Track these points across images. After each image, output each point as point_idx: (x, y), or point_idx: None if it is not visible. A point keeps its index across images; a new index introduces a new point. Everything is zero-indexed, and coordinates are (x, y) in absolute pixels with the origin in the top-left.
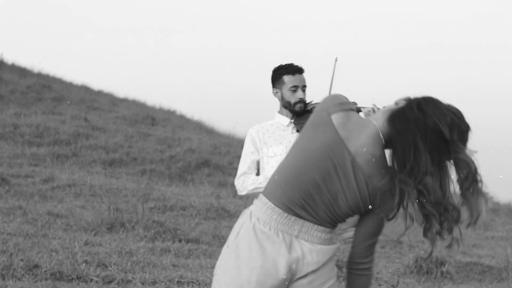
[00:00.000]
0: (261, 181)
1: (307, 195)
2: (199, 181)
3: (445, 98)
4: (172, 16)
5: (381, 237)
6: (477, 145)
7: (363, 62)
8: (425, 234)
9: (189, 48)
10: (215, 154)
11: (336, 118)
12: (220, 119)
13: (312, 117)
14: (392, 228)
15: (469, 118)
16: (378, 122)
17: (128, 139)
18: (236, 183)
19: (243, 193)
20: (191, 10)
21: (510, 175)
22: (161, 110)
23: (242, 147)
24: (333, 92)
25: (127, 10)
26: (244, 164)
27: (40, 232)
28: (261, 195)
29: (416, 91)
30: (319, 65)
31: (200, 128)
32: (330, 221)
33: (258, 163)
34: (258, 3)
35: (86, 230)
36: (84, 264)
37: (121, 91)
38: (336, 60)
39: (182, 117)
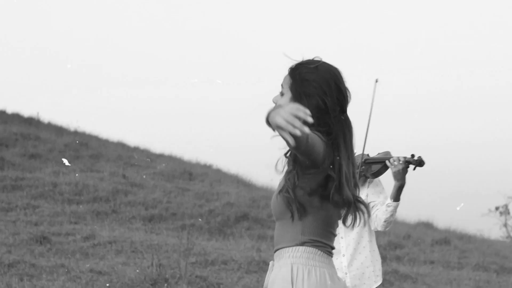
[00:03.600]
0: None
1: None
2: (238, 235)
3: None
4: (205, 68)
5: None
6: None
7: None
8: None
9: (222, 100)
10: (254, 208)
11: None
12: (257, 172)
13: None
14: None
15: None
16: None
17: (166, 194)
18: None
19: None
20: (225, 61)
21: None
22: (198, 165)
23: None
24: (373, 116)
25: (159, 64)
26: None
27: None
28: None
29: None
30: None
31: (237, 181)
32: None
33: None
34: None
35: (129, 286)
36: None
37: (157, 146)
38: (376, 82)
39: (219, 171)
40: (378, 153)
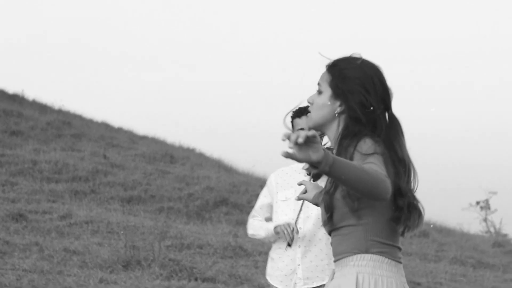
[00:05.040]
0: (256, 228)
1: None
2: (217, 220)
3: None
4: (192, 51)
5: None
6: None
7: None
8: None
9: (209, 84)
10: (234, 193)
11: None
12: (239, 157)
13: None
14: None
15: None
16: None
17: (146, 176)
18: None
19: (249, 236)
20: (209, 45)
21: None
22: (180, 148)
23: (261, 186)
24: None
25: (147, 46)
26: (255, 207)
27: (55, 268)
28: None
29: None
30: None
31: (219, 166)
32: None
33: (270, 206)
34: (278, 37)
35: (102, 267)
36: None
37: (141, 128)
38: None
39: (201, 155)
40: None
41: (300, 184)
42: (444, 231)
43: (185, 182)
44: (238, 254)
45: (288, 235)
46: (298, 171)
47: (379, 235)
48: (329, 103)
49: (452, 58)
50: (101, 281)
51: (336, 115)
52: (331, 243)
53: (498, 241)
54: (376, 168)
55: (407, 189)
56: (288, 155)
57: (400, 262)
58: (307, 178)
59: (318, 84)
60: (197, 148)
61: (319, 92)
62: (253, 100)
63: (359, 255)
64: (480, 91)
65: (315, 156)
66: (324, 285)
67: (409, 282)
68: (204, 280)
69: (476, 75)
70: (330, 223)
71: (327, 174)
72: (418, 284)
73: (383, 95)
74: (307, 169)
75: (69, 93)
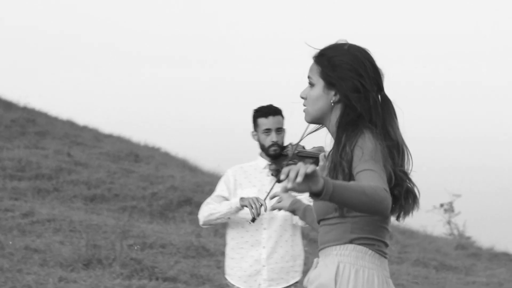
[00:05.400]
0: (213, 207)
1: None
2: (180, 219)
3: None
4: (156, 48)
5: None
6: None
7: None
8: None
9: (176, 81)
10: (198, 192)
11: None
12: (204, 157)
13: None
14: None
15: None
16: None
17: (110, 175)
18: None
19: (201, 223)
20: (175, 42)
21: (491, 220)
22: (145, 147)
23: None
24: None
25: (111, 43)
26: (211, 196)
27: (15, 267)
28: None
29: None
30: None
31: (184, 165)
32: None
33: (225, 200)
34: (245, 35)
35: (62, 266)
36: None
37: (106, 126)
38: None
39: (166, 154)
40: (313, 147)
41: (273, 197)
42: (407, 233)
43: (149, 181)
44: (200, 254)
45: (255, 209)
46: (259, 170)
47: (365, 229)
48: (323, 94)
49: (425, 58)
50: (60, 279)
51: (332, 104)
52: (318, 232)
53: (461, 243)
54: (376, 181)
55: (402, 173)
56: (287, 190)
57: (385, 257)
58: (270, 177)
59: (309, 77)
60: (162, 147)
61: (311, 85)
62: (219, 99)
63: (342, 245)
64: (443, 93)
65: (315, 187)
66: (288, 287)
67: None
68: (165, 279)
69: (446, 75)
70: (341, 209)
71: (328, 201)
72: None
73: (375, 77)
74: (271, 169)
75: (35, 90)
